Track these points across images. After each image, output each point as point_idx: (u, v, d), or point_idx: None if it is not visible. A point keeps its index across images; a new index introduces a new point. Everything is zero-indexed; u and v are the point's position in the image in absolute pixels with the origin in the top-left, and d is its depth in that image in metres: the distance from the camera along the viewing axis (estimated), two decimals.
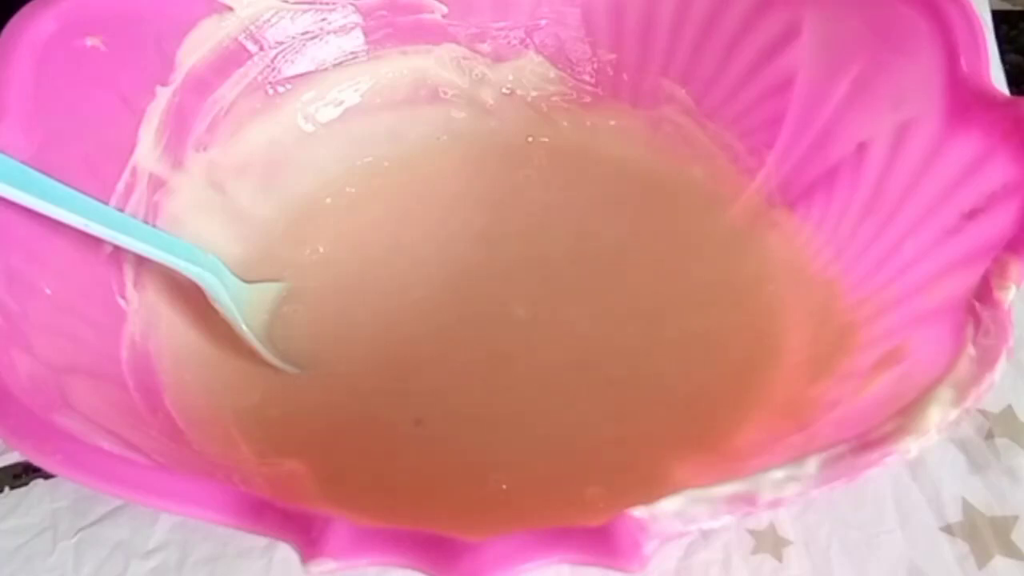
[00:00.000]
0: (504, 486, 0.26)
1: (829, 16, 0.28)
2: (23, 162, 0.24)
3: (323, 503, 0.25)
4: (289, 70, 0.33)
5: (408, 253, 0.33)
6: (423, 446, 0.27)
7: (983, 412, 0.28)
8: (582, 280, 0.32)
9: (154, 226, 0.29)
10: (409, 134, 0.35)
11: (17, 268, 0.23)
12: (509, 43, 0.35)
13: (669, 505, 0.17)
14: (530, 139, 0.36)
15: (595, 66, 0.35)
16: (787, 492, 0.17)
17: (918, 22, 0.25)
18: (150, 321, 0.28)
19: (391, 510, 0.21)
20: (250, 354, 0.29)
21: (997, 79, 0.37)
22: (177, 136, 0.30)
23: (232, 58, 0.32)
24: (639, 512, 0.17)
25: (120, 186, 0.28)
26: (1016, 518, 0.26)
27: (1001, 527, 0.26)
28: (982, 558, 0.25)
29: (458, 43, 0.35)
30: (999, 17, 0.40)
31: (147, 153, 0.29)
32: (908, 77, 0.26)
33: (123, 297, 0.28)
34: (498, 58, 0.35)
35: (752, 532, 0.26)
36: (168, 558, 0.26)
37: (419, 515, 0.19)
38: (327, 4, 0.33)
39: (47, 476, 0.28)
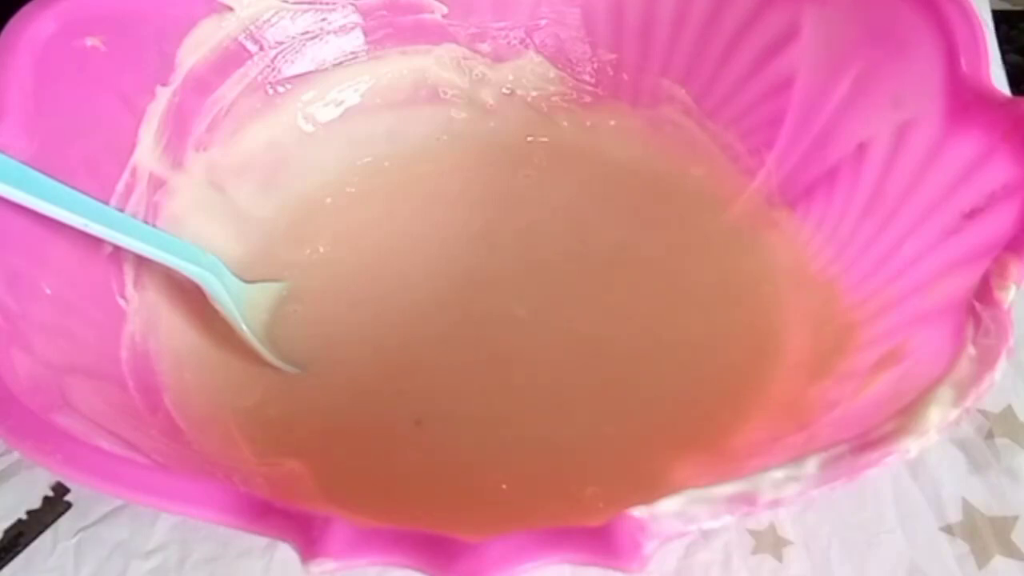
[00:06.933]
0: (504, 486, 0.26)
1: (829, 16, 0.28)
2: (23, 162, 0.24)
3: (323, 503, 0.25)
4: (289, 70, 0.33)
5: (408, 253, 0.33)
6: (423, 446, 0.27)
7: (983, 412, 0.28)
8: (582, 280, 0.32)
9: (154, 226, 0.29)
10: (409, 134, 0.35)
11: (17, 268, 0.23)
12: (509, 43, 0.35)
13: (669, 505, 0.17)
14: (530, 139, 0.36)
15: (595, 66, 0.35)
16: (787, 492, 0.17)
17: (918, 22, 0.25)
18: (150, 321, 0.28)
19: (391, 510, 0.21)
20: (250, 354, 0.29)
21: (998, 79, 0.37)
22: (177, 136, 0.30)
23: (232, 58, 0.32)
24: (639, 512, 0.17)
25: (120, 186, 0.28)
26: (1016, 518, 0.26)
27: (1001, 527, 0.26)
28: (982, 558, 0.25)
29: (458, 43, 0.35)
30: (999, 17, 0.40)
31: (147, 153, 0.29)
32: (908, 77, 0.26)
33: (123, 297, 0.28)
34: (498, 58, 0.35)
35: (752, 532, 0.26)
36: (168, 558, 0.26)
37: (419, 515, 0.19)
38: (327, 4, 0.33)
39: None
